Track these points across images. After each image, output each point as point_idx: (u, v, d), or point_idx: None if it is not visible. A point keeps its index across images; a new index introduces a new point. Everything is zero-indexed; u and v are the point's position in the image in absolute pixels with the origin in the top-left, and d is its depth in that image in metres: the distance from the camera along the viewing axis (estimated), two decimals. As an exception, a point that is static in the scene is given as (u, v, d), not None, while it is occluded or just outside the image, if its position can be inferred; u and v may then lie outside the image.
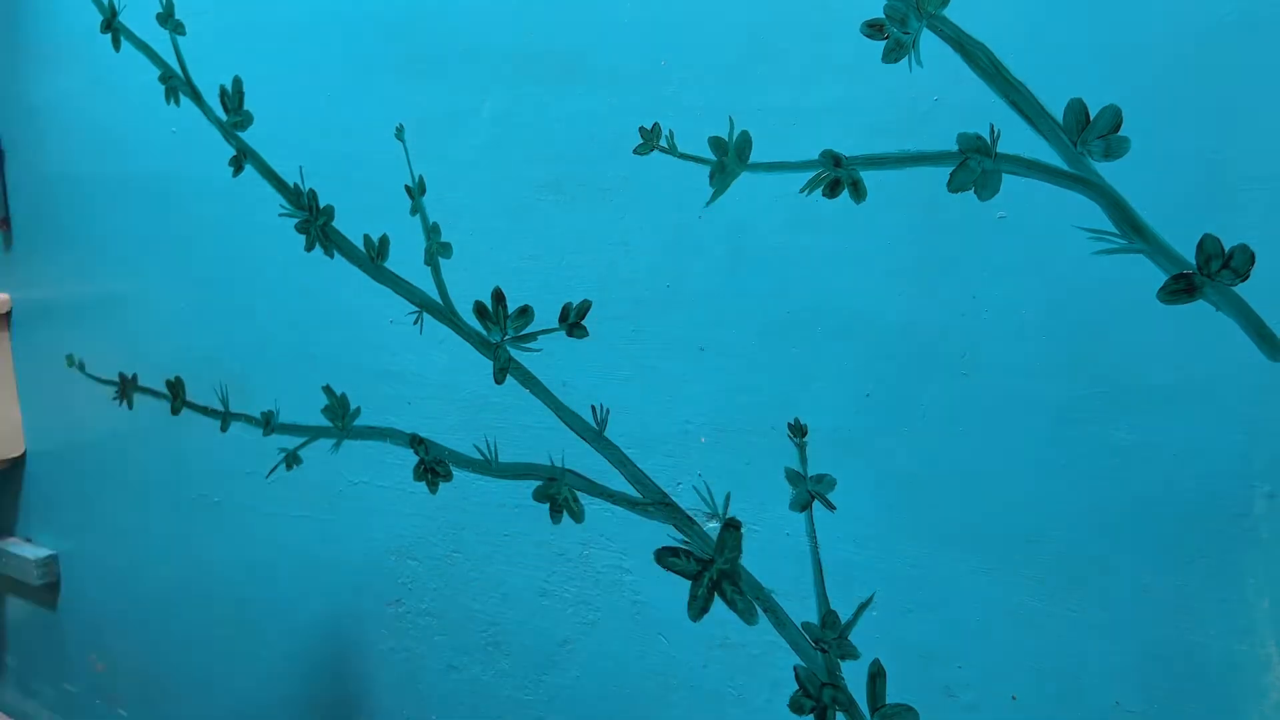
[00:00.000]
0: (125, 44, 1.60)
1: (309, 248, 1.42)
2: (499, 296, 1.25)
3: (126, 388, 1.73)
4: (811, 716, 1.08)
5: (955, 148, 0.93)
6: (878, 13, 0.96)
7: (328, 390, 1.43)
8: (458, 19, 1.23)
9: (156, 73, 1.56)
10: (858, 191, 0.99)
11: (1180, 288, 0.86)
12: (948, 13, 0.92)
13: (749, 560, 1.11)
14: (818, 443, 1.05)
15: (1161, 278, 0.87)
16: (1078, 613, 0.93)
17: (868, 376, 1.01)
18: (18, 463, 2.00)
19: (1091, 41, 0.87)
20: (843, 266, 1.01)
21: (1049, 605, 0.94)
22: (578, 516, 1.23)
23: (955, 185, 0.94)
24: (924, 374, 0.98)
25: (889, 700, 1.03)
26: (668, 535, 1.16)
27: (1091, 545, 0.92)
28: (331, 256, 1.39)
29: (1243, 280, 0.84)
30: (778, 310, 1.05)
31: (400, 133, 1.30)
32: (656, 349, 1.14)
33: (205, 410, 1.60)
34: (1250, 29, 0.82)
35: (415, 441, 1.35)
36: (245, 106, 1.46)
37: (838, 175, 0.99)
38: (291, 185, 1.42)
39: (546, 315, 1.22)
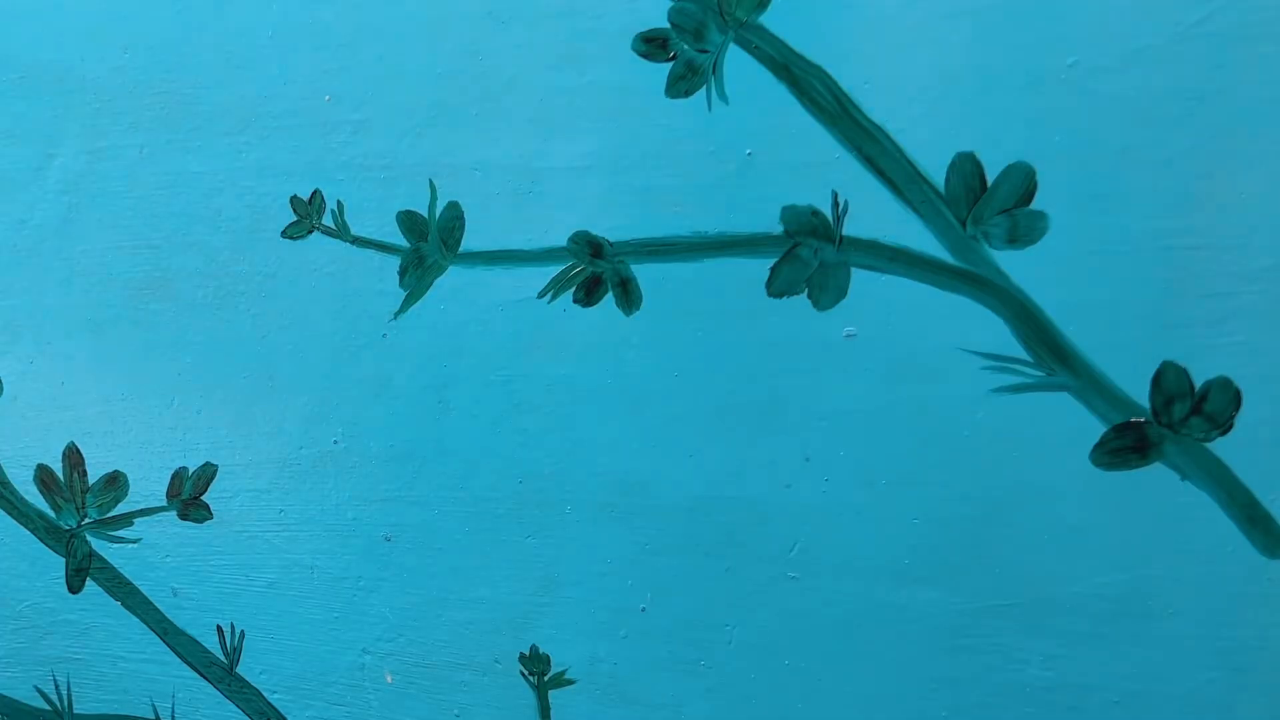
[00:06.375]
0: None
1: None
2: (74, 458, 0.80)
3: None
4: None
5: (779, 228, 0.61)
6: (659, 21, 0.62)
7: None
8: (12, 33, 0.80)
9: None
10: (627, 296, 0.64)
11: (1128, 444, 0.56)
12: (766, 20, 0.60)
13: None
14: (573, 684, 0.67)
15: (1099, 429, 0.56)
16: None
17: (642, 577, 0.65)
18: None
19: (991, 64, 0.57)
20: (606, 422, 0.65)
21: None
22: (195, 802, 0.78)
23: (779, 287, 0.61)
24: (737, 582, 0.63)
25: None
26: (336, 834, 0.74)
27: None
28: None
29: (1223, 433, 0.54)
30: (507, 485, 0.68)
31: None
32: (311, 536, 0.73)
33: None
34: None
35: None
36: None
37: (597, 271, 0.64)
38: None
39: (148, 487, 0.79)
